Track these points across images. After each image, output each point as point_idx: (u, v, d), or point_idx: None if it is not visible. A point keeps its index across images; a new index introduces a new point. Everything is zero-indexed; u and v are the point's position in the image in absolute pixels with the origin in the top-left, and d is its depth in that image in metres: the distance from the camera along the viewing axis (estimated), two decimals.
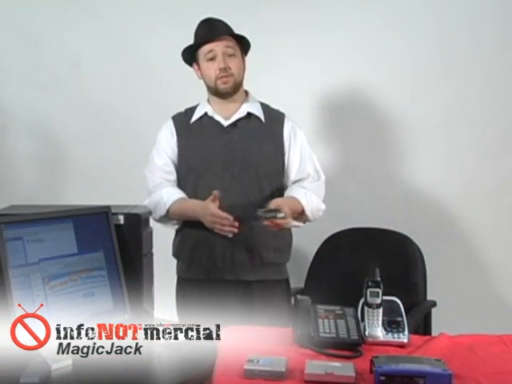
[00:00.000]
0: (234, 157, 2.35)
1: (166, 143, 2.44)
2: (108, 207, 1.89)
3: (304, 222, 2.45)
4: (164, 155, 2.44)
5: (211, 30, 2.31)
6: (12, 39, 3.30)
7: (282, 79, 3.09)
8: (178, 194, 2.40)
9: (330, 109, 3.16)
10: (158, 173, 2.44)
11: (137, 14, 3.22)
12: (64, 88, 3.29)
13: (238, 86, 2.36)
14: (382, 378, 1.55)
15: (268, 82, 2.98)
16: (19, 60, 3.32)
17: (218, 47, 2.29)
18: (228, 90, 2.35)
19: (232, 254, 2.35)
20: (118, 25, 3.22)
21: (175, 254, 2.49)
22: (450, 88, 3.07)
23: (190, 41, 2.38)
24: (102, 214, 1.87)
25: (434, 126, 3.11)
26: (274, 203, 2.21)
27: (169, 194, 2.38)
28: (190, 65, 2.41)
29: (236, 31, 2.37)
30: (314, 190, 2.40)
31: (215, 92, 2.37)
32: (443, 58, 3.07)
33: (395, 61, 3.09)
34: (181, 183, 2.43)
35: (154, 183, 2.43)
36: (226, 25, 2.35)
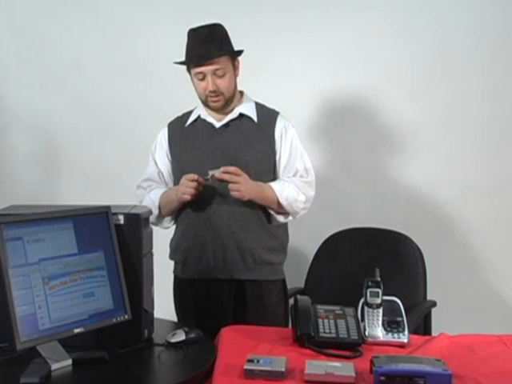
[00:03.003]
0: (225, 157, 2.35)
1: (157, 152, 2.49)
2: (108, 207, 1.89)
3: (286, 217, 2.43)
4: (152, 164, 2.50)
5: (198, 51, 2.30)
6: (12, 39, 3.30)
7: (282, 79, 3.08)
8: (163, 189, 2.45)
9: (330, 109, 3.15)
10: (145, 183, 2.51)
11: (137, 14, 3.22)
12: (64, 88, 3.29)
13: (229, 100, 2.37)
14: (382, 378, 1.56)
15: (267, 82, 2.99)
16: (19, 60, 3.32)
17: (207, 70, 2.30)
18: (218, 108, 2.38)
19: (224, 253, 2.36)
20: (118, 25, 3.22)
21: (171, 256, 2.50)
22: (449, 88, 3.07)
23: None
24: (102, 214, 1.87)
25: (434, 126, 3.11)
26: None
27: (155, 193, 2.43)
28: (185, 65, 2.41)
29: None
30: (296, 184, 2.39)
31: (206, 106, 2.40)
32: (443, 58, 3.07)
33: (395, 61, 3.09)
34: (176, 185, 2.45)
35: (143, 193, 2.49)
36: (215, 41, 2.30)
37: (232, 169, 2.24)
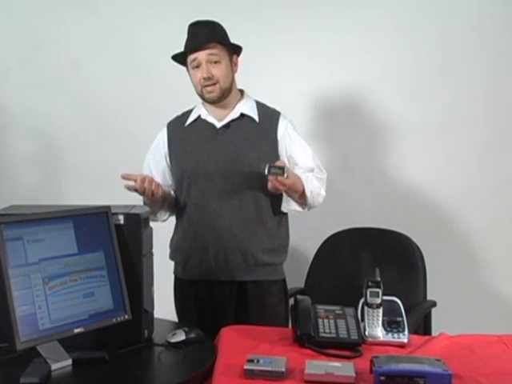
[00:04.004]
0: (226, 158, 2.35)
1: (153, 155, 2.48)
2: (108, 207, 1.89)
3: (303, 208, 2.42)
4: (145, 166, 2.49)
5: (194, 38, 2.31)
6: (12, 39, 3.30)
7: (282, 78, 3.08)
8: None
9: (330, 108, 3.16)
10: None
11: (137, 14, 3.21)
12: (64, 88, 3.28)
13: (225, 92, 2.35)
14: (382, 377, 1.56)
15: (267, 81, 2.98)
16: (19, 60, 3.32)
17: (201, 55, 2.29)
18: (214, 99, 2.35)
19: (225, 254, 2.35)
20: (117, 25, 3.22)
21: (172, 257, 2.50)
22: (449, 88, 3.07)
23: None
24: (102, 214, 1.87)
25: (434, 126, 3.10)
26: (281, 162, 2.21)
27: None
28: (185, 65, 2.41)
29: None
30: (317, 179, 2.40)
31: (203, 99, 2.39)
32: (443, 58, 3.06)
33: (395, 61, 3.08)
34: (177, 187, 2.45)
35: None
36: (211, 30, 2.33)
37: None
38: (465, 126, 3.08)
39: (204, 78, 2.30)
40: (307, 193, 2.33)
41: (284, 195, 2.38)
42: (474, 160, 3.10)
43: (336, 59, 3.10)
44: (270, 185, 2.21)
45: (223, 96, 2.35)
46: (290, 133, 2.40)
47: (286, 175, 2.14)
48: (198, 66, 2.31)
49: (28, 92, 3.31)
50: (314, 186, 2.36)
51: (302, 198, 2.36)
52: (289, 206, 2.40)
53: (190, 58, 2.32)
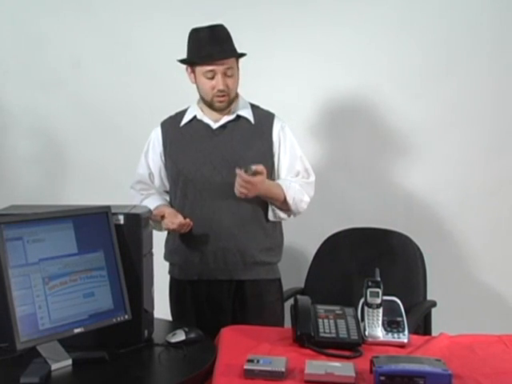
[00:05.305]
0: (223, 159, 2.35)
1: (150, 153, 2.48)
2: (108, 207, 1.89)
3: (289, 215, 2.44)
4: (144, 166, 2.49)
5: (214, 51, 2.28)
6: (12, 39, 3.30)
7: (281, 78, 3.08)
8: (155, 202, 2.44)
9: (331, 108, 3.15)
10: (137, 185, 2.52)
11: (137, 13, 3.21)
12: (64, 88, 3.28)
13: (231, 101, 2.37)
14: (382, 377, 1.56)
15: (267, 81, 2.98)
16: (19, 60, 3.32)
17: (219, 69, 2.29)
18: (223, 108, 2.37)
19: (224, 254, 2.36)
20: (118, 25, 3.22)
21: (167, 257, 2.49)
22: (449, 88, 3.06)
23: None
24: (102, 214, 1.87)
25: (434, 126, 3.10)
26: (258, 167, 2.23)
27: (147, 203, 2.40)
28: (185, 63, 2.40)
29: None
30: (300, 184, 2.40)
31: (209, 105, 2.38)
32: (443, 58, 3.06)
33: (396, 61, 3.08)
34: (172, 187, 2.45)
35: (135, 196, 2.50)
36: (228, 41, 2.32)
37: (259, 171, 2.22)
38: (465, 127, 3.08)
39: (219, 90, 2.31)
40: (289, 200, 2.36)
41: (269, 204, 2.40)
42: (474, 160, 3.09)
43: (336, 59, 3.09)
44: (236, 187, 2.23)
45: (229, 105, 2.37)
46: (284, 135, 2.42)
47: (249, 173, 2.18)
48: (212, 77, 2.30)
49: (28, 92, 3.30)
50: (296, 193, 2.38)
51: (284, 205, 2.39)
52: (274, 214, 2.42)
53: (206, 68, 2.29)
